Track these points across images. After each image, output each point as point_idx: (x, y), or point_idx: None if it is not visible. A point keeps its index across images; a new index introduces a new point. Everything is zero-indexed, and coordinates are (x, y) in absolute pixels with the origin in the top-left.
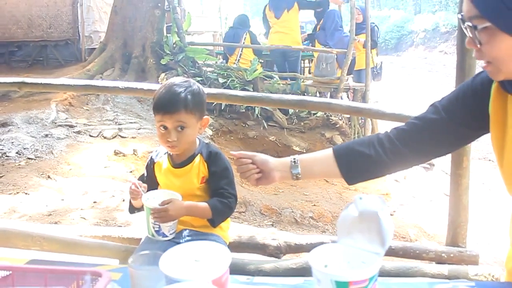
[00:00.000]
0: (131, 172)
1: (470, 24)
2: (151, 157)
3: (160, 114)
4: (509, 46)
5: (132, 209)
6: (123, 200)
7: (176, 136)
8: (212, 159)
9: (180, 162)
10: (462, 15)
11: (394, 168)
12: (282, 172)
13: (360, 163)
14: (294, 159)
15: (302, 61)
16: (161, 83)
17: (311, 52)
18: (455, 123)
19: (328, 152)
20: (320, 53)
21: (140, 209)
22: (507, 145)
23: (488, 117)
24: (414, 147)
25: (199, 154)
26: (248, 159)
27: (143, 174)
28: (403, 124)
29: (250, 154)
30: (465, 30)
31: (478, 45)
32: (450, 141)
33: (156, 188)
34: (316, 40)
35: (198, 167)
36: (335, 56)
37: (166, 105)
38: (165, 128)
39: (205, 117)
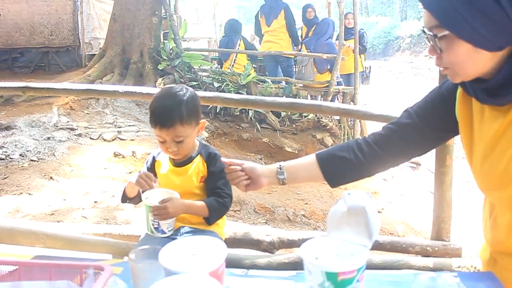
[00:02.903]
0: (130, 173)
1: (430, 33)
2: (153, 155)
3: (157, 128)
4: (465, 51)
5: (125, 198)
6: (128, 202)
7: (175, 146)
8: (211, 159)
9: (180, 162)
10: (423, 26)
11: (373, 170)
12: (269, 178)
13: (342, 167)
14: (280, 165)
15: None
16: (159, 88)
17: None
18: (427, 126)
19: (312, 158)
20: (298, 57)
21: (133, 199)
22: (475, 144)
23: (456, 120)
24: (390, 150)
25: (199, 155)
26: (237, 167)
27: (139, 171)
28: (380, 129)
29: (239, 162)
30: (426, 40)
31: (439, 52)
32: (423, 143)
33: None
34: (304, 46)
35: (198, 167)
36: (309, 59)
37: (162, 120)
38: (164, 139)
39: (202, 121)
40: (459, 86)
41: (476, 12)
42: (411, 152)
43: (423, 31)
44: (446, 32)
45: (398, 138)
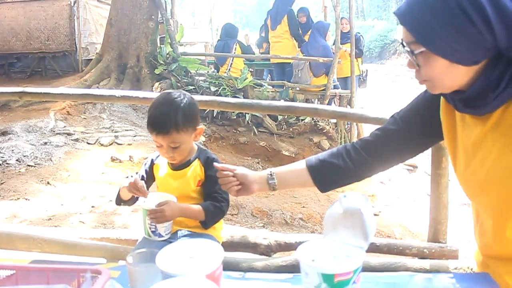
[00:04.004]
0: (127, 177)
1: (408, 49)
2: (151, 158)
3: (154, 134)
4: (441, 66)
5: (119, 201)
6: (121, 205)
7: (172, 152)
8: (209, 164)
9: (178, 165)
10: (402, 39)
11: (362, 175)
12: (260, 184)
13: (331, 173)
14: (271, 172)
15: None
16: (156, 92)
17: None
18: (412, 132)
19: (301, 164)
20: (294, 61)
21: (127, 201)
22: (458, 150)
23: (441, 126)
24: (378, 156)
25: (197, 159)
26: (230, 172)
27: (137, 172)
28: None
29: (232, 167)
30: (406, 54)
31: (417, 67)
32: (409, 148)
33: (151, 184)
34: (300, 50)
35: (196, 171)
36: (305, 63)
37: (157, 127)
38: (161, 144)
39: (199, 127)
40: (441, 95)
41: (449, 30)
42: (398, 157)
43: (402, 45)
44: (423, 49)
45: (384, 144)
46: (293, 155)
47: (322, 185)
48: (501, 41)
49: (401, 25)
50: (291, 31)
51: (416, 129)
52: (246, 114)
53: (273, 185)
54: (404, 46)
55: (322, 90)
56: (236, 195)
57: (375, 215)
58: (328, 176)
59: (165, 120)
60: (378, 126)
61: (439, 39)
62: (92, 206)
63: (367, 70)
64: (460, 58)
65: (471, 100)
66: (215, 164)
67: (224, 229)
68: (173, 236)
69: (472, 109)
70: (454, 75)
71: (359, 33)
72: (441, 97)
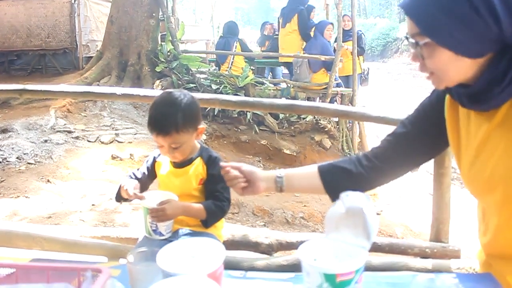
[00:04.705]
0: (129, 176)
1: (413, 40)
2: (153, 155)
3: (154, 134)
4: (447, 58)
5: (119, 198)
6: (121, 203)
7: (173, 152)
8: (212, 162)
9: (180, 163)
10: (407, 33)
11: (374, 183)
12: (267, 183)
13: (344, 179)
14: (280, 172)
15: None
16: (157, 90)
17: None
18: (421, 134)
19: (313, 168)
20: (294, 58)
21: (127, 199)
22: (462, 150)
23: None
24: (389, 162)
25: (199, 157)
26: (236, 168)
27: (138, 169)
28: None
29: (239, 164)
30: (410, 46)
31: (421, 59)
32: (420, 152)
33: (152, 181)
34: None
35: (198, 169)
36: (304, 60)
37: (158, 127)
38: (162, 145)
39: (201, 126)
40: (447, 93)
41: (455, 21)
42: (410, 161)
43: (406, 38)
44: (427, 40)
45: (394, 148)
46: (295, 154)
47: (332, 190)
48: (507, 31)
49: (406, 17)
50: (300, 30)
51: (424, 131)
52: (247, 113)
53: (281, 185)
54: (408, 39)
55: (324, 88)
56: (241, 193)
57: (377, 214)
58: (339, 180)
59: (165, 121)
60: (379, 125)
61: (444, 30)
62: (93, 204)
63: (368, 69)
64: (465, 49)
65: (477, 95)
66: (221, 163)
67: (225, 228)
68: (174, 235)
69: (478, 104)
70: (459, 68)
71: (360, 31)
72: (446, 96)
